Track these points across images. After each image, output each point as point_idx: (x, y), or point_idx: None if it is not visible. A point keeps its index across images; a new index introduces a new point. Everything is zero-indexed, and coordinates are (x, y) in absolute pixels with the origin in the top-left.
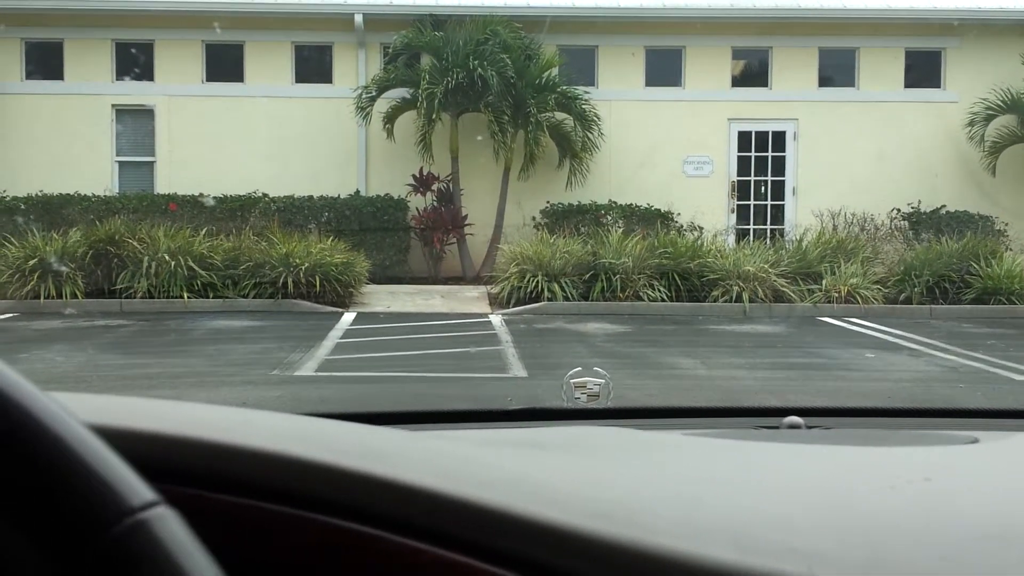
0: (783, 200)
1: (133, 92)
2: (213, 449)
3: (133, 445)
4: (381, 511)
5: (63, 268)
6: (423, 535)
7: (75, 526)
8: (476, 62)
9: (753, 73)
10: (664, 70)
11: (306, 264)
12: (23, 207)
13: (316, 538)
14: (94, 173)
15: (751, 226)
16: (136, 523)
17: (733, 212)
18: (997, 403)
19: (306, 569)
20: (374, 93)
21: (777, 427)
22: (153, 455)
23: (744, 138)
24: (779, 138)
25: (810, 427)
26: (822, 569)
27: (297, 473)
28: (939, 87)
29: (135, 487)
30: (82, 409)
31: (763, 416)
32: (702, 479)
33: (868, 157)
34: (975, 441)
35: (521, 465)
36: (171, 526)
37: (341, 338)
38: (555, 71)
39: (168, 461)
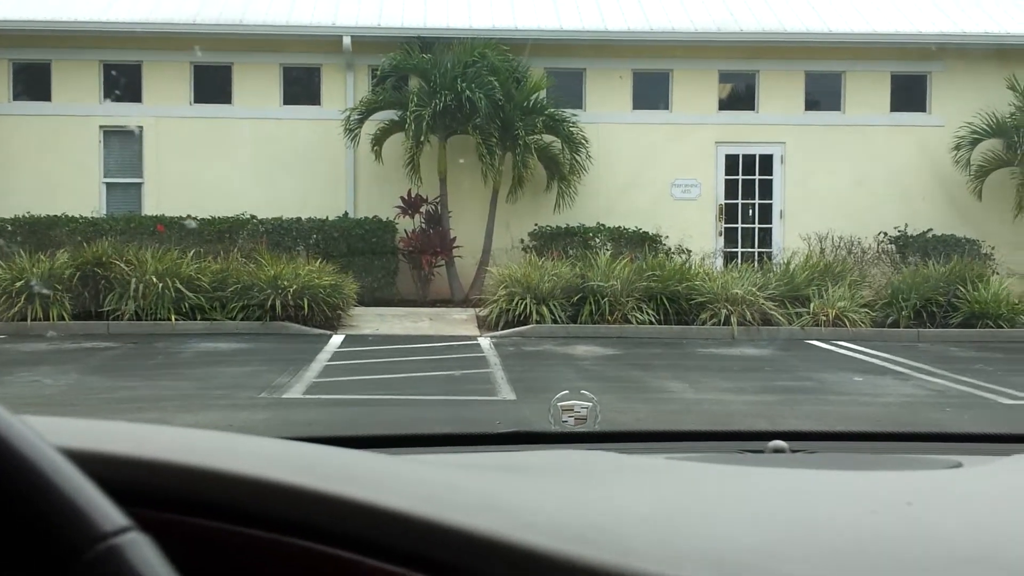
0: (770, 223)
1: (121, 113)
2: (191, 473)
3: (109, 469)
4: (360, 535)
5: (49, 291)
6: (403, 559)
7: (47, 552)
8: (464, 84)
9: (740, 96)
10: (651, 93)
11: (294, 286)
12: (10, 228)
13: (294, 562)
14: (81, 194)
15: (739, 249)
16: (108, 549)
17: (721, 235)
18: (984, 427)
19: None
20: (362, 115)
21: (762, 451)
22: (130, 479)
23: (731, 161)
24: (766, 161)
25: (794, 451)
26: None
27: (275, 497)
28: (925, 111)
29: (107, 512)
30: (59, 433)
31: (748, 440)
32: (685, 504)
33: (854, 180)
34: (959, 465)
35: (504, 489)
36: (143, 552)
37: (329, 360)
38: (543, 94)
39: (145, 485)
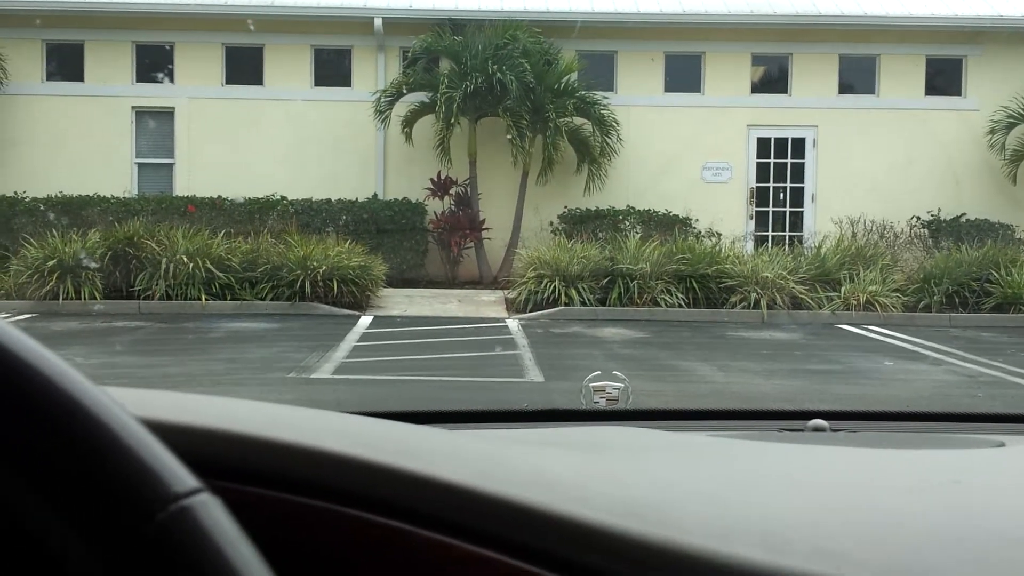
0: (802, 207)
1: (153, 94)
2: (247, 443)
3: (172, 437)
4: (413, 507)
5: (91, 264)
6: (454, 531)
7: (120, 513)
8: (495, 66)
9: (773, 79)
10: (683, 76)
11: (323, 267)
12: (42, 208)
13: (349, 532)
14: (113, 175)
15: (769, 232)
16: (180, 509)
17: (752, 218)
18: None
19: (339, 562)
20: (392, 97)
21: (802, 430)
22: (188, 448)
23: (763, 144)
24: (798, 145)
25: (835, 430)
26: (850, 570)
27: (331, 468)
28: (960, 95)
29: (178, 474)
30: (125, 401)
31: (787, 419)
32: (729, 479)
33: (888, 164)
34: (1002, 445)
35: (552, 463)
36: (215, 513)
37: (358, 341)
38: (574, 76)
39: (202, 454)
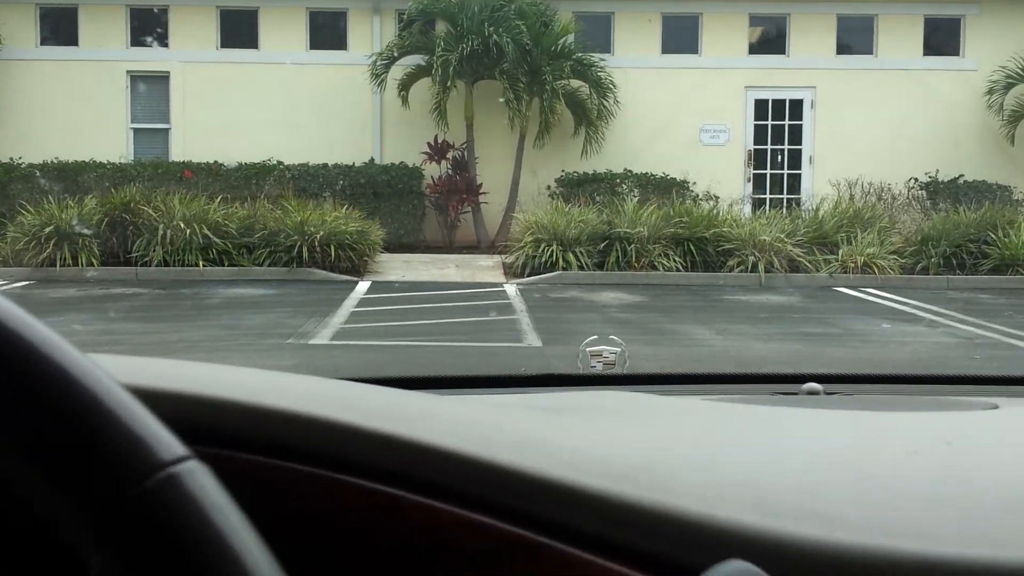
0: (800, 169)
1: (148, 58)
2: (241, 410)
3: (160, 404)
4: (405, 472)
5: (85, 232)
6: (446, 496)
7: (107, 481)
8: (491, 29)
9: (770, 40)
10: (680, 37)
11: (321, 232)
12: (38, 174)
13: (339, 498)
14: (109, 140)
15: (767, 195)
16: (167, 477)
17: (749, 181)
18: (1015, 373)
19: (330, 528)
20: (388, 60)
21: (796, 393)
22: (180, 415)
23: (761, 106)
24: (796, 106)
25: (829, 393)
26: (844, 533)
27: (322, 434)
28: (958, 55)
29: (166, 441)
30: (112, 368)
31: (781, 382)
32: (722, 443)
33: (886, 126)
34: (995, 407)
35: (545, 428)
36: (203, 480)
37: (356, 307)
38: (571, 38)
39: (194, 421)
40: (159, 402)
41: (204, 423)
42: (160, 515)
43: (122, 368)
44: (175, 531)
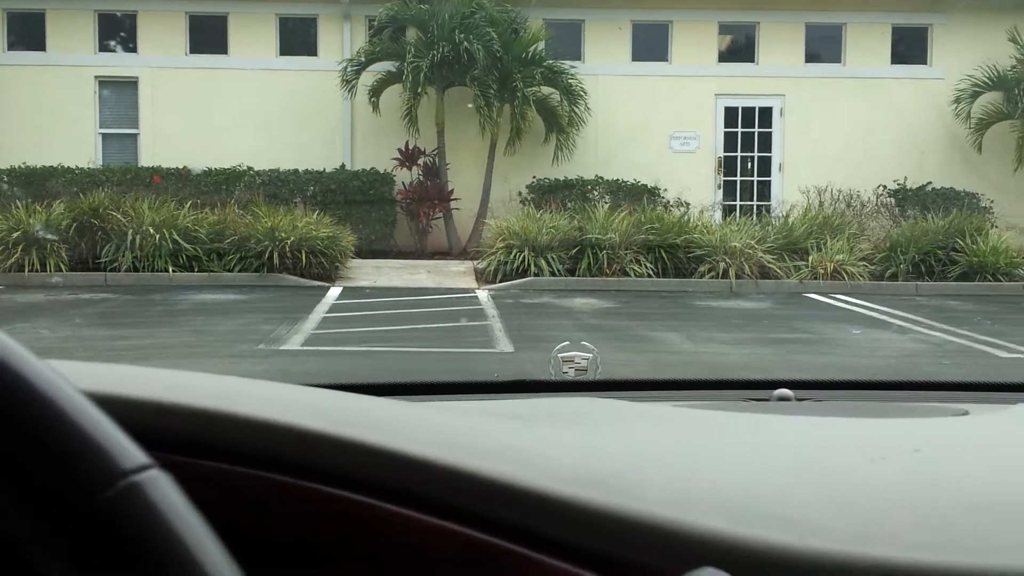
0: (769, 176)
1: (116, 64)
2: (205, 416)
3: (123, 411)
4: (374, 480)
5: (49, 237)
6: (417, 503)
7: (67, 491)
8: (462, 35)
9: (740, 48)
10: (650, 45)
11: (292, 238)
12: (6, 179)
13: (307, 506)
14: (77, 145)
15: (737, 202)
16: (129, 486)
17: (720, 188)
18: (984, 379)
19: (297, 536)
20: (359, 66)
21: (767, 399)
22: (143, 422)
23: (731, 114)
24: (765, 114)
25: (800, 399)
26: (813, 539)
27: (290, 441)
28: (926, 64)
29: (127, 450)
30: (73, 375)
31: (753, 388)
32: (692, 449)
33: (854, 133)
34: (965, 414)
35: (516, 435)
36: (164, 489)
37: (327, 312)
38: (541, 45)
39: (158, 428)
40: (120, 409)
41: (167, 430)
42: (121, 525)
43: (82, 374)
44: (136, 541)
